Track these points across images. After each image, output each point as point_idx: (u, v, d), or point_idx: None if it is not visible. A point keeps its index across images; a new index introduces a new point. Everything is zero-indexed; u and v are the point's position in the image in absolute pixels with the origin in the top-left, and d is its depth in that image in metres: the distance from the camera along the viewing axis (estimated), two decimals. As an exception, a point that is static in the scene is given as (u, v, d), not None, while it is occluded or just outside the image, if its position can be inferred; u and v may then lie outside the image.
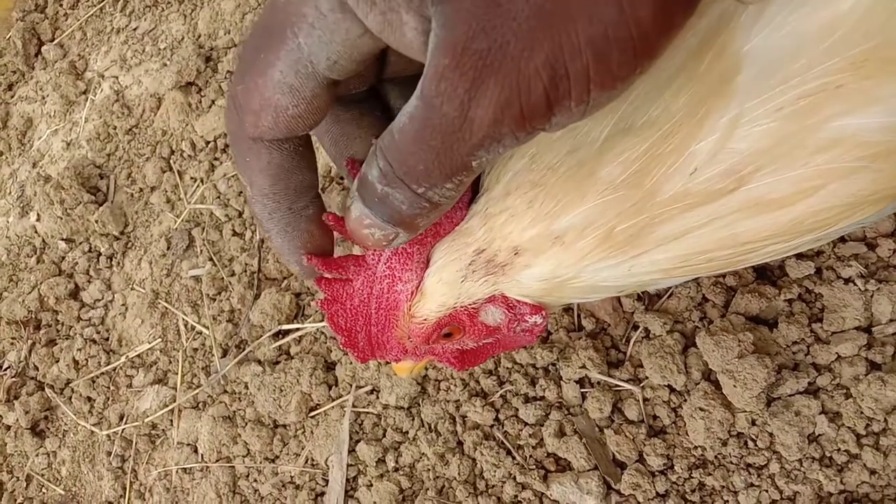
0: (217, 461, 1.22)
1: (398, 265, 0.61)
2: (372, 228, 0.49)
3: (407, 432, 1.07)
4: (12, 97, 1.93)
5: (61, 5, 1.94)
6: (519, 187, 0.56)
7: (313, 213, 0.55)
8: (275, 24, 0.44)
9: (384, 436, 1.08)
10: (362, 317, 0.64)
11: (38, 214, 1.64)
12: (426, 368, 1.08)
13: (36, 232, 1.67)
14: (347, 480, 1.08)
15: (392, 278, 0.62)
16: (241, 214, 1.39)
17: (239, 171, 0.53)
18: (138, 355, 1.42)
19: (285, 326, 1.23)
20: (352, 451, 1.09)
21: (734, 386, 0.84)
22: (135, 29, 1.77)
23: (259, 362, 1.23)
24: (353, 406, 1.12)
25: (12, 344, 1.58)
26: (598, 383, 0.96)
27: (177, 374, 1.34)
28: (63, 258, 1.61)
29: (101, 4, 1.86)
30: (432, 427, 1.04)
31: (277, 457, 1.17)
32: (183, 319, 1.37)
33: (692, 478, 0.89)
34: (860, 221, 0.56)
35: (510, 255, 0.58)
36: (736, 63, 0.46)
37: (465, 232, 0.60)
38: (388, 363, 1.12)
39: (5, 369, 1.57)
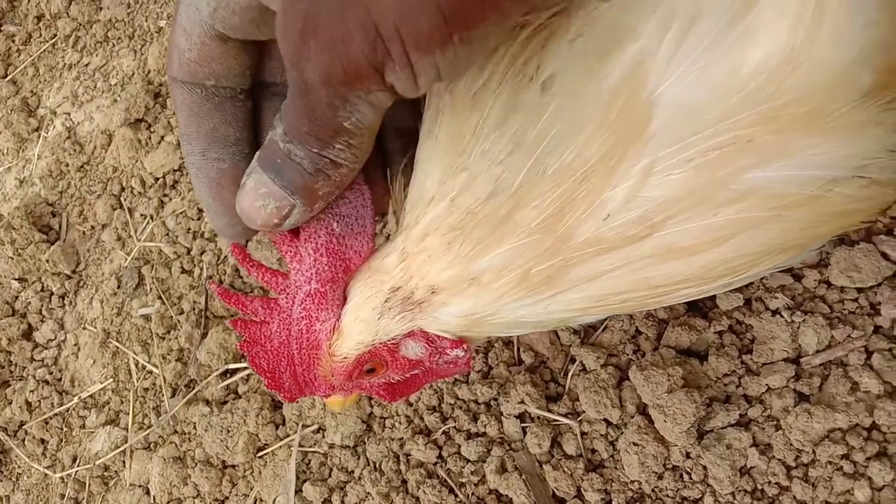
0: (168, 503, 1.21)
1: (313, 305, 0.61)
2: (267, 199, 0.50)
3: (352, 472, 1.06)
4: (-35, 134, 1.91)
5: (13, 41, 1.93)
6: (437, 229, 0.57)
7: (227, 167, 0.57)
8: None
9: (330, 475, 1.08)
10: (284, 357, 0.64)
11: (-10, 254, 1.63)
12: (370, 405, 1.08)
13: (-11, 271, 1.66)
14: (295, 521, 1.08)
15: (309, 318, 0.62)
16: (189, 252, 1.39)
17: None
18: (90, 395, 1.40)
19: (232, 366, 1.23)
20: (299, 491, 1.09)
21: (665, 421, 0.85)
22: (86, 65, 1.76)
23: (207, 402, 1.23)
24: (300, 445, 1.12)
25: (-36, 386, 1.56)
26: (538, 418, 0.96)
27: (128, 414, 1.33)
28: (16, 298, 1.59)
29: (54, 40, 1.85)
30: (377, 466, 1.04)
31: (227, 498, 1.16)
32: (133, 359, 1.36)
33: (630, 512, 0.89)
34: (771, 268, 0.57)
35: (427, 294, 0.59)
36: (648, 110, 0.47)
37: (381, 269, 0.61)
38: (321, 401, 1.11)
39: (-42, 413, 1.55)
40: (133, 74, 1.65)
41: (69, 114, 1.73)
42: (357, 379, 0.67)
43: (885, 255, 0.84)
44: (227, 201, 0.57)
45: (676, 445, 0.87)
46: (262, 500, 1.13)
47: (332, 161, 0.47)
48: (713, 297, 0.92)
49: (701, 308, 0.93)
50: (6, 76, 1.91)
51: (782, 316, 0.87)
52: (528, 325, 0.63)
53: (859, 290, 0.85)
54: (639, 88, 0.46)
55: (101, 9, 1.79)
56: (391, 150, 0.62)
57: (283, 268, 0.64)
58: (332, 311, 0.62)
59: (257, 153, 0.51)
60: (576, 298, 0.57)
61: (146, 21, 1.69)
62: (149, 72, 1.61)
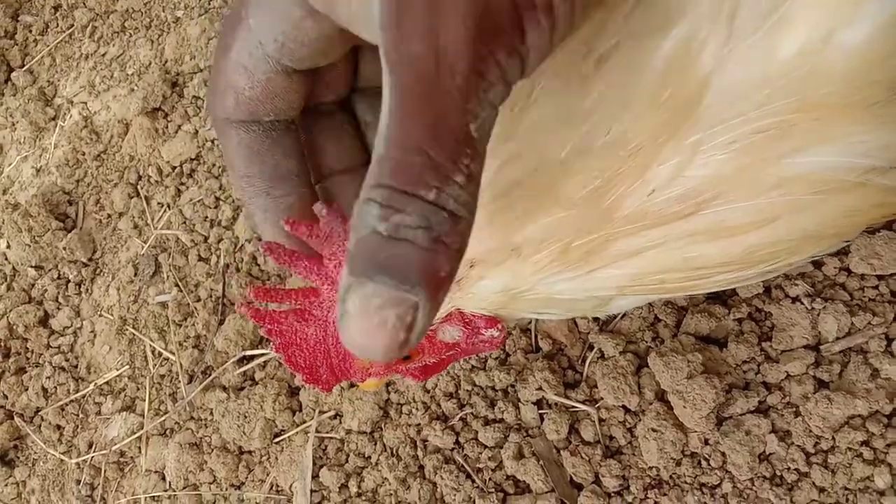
0: (184, 488, 1.21)
1: None
2: (384, 312, 0.37)
3: (369, 457, 1.07)
4: (-18, 124, 1.93)
5: (31, 31, 1.94)
6: (480, 200, 0.57)
7: (294, 202, 0.54)
8: (236, 4, 0.45)
9: (347, 461, 1.08)
10: (321, 353, 0.65)
11: (7, 242, 1.64)
12: (388, 392, 1.09)
13: (6, 259, 1.66)
14: (311, 506, 1.08)
15: None
16: (206, 239, 1.40)
17: (223, 154, 0.55)
18: (107, 382, 1.41)
19: (249, 352, 1.23)
20: (315, 476, 1.09)
21: (684, 406, 0.85)
22: (103, 55, 1.77)
23: (224, 388, 1.23)
24: (317, 431, 1.12)
25: (-19, 373, 1.57)
26: (555, 405, 0.96)
27: (144, 400, 1.34)
28: (33, 285, 1.60)
29: (71, 30, 1.86)
30: (394, 451, 1.05)
31: (243, 483, 1.17)
32: (150, 346, 1.37)
33: (647, 498, 0.89)
34: (808, 256, 0.57)
35: (465, 269, 0.59)
36: (700, 90, 0.47)
37: None
38: (352, 385, 1.12)
39: (-26, 398, 1.56)
40: (150, 64, 1.65)
41: (86, 103, 1.74)
42: (395, 366, 0.67)
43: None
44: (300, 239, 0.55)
45: (695, 432, 0.87)
46: (278, 486, 1.13)
47: (450, 214, 0.36)
48: (732, 285, 0.92)
49: (720, 295, 0.93)
50: (23, 66, 1.91)
51: (802, 303, 0.87)
52: (562, 304, 0.64)
53: (880, 277, 0.85)
54: (691, 66, 0.47)
55: (117, -1, 1.81)
56: None
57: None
58: None
59: (345, 265, 0.38)
60: (614, 275, 0.57)
61: (163, 11, 1.70)
62: (166, 61, 1.62)
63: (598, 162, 0.51)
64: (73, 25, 1.86)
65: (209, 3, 1.60)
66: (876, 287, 0.85)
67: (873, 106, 0.45)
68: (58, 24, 1.91)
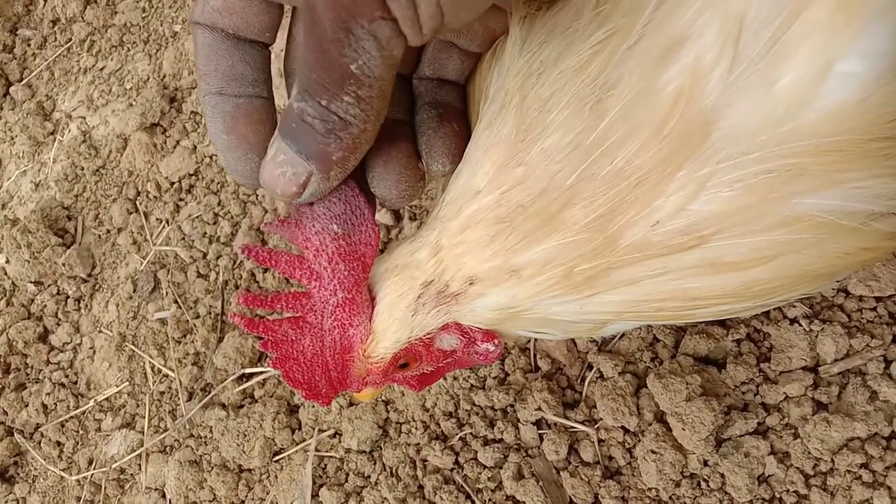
0: (184, 506, 1.22)
1: (344, 314, 0.62)
2: (285, 167, 0.52)
3: (369, 477, 1.07)
4: (-19, 138, 1.93)
5: (29, 45, 1.94)
6: (481, 221, 0.58)
7: (243, 102, 0.57)
8: None
9: (346, 480, 1.08)
10: (319, 367, 0.65)
11: (6, 257, 1.64)
12: (387, 411, 1.09)
13: (5, 274, 1.67)
14: (311, 526, 1.09)
15: (342, 326, 0.62)
16: (205, 256, 1.40)
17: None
18: (106, 399, 1.41)
19: (248, 370, 1.23)
20: (315, 495, 1.09)
21: (683, 429, 0.85)
22: (101, 69, 1.77)
23: (223, 406, 1.23)
24: (316, 450, 1.12)
25: (-19, 389, 1.58)
26: (555, 425, 0.97)
27: (144, 417, 1.34)
28: (32, 301, 1.60)
29: (69, 44, 1.87)
30: (393, 471, 1.05)
31: (243, 502, 1.17)
32: (149, 362, 1.37)
33: (647, 519, 0.90)
34: (803, 293, 0.58)
35: (464, 285, 0.60)
36: (707, 122, 0.48)
37: (411, 265, 0.61)
38: (351, 404, 1.12)
39: (-26, 415, 1.56)
40: (148, 79, 1.66)
41: (84, 118, 1.74)
42: (391, 374, 0.68)
43: (905, 261, 0.84)
44: (240, 136, 0.57)
45: (694, 453, 0.87)
46: (278, 505, 1.14)
47: (340, 119, 0.48)
48: (731, 305, 0.92)
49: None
50: (22, 80, 1.92)
51: (800, 324, 0.87)
52: (559, 325, 0.64)
53: (878, 298, 0.85)
54: (697, 96, 0.47)
55: (116, 13, 1.80)
56: (422, 121, 0.62)
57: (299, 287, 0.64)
58: (363, 315, 0.62)
59: (279, 124, 0.53)
60: (612, 301, 0.58)
61: (161, 25, 1.70)
62: (164, 76, 1.62)
63: (605, 189, 0.52)
64: (71, 39, 1.87)
65: (207, 18, 1.60)
66: (874, 309, 0.85)
67: (875, 152, 0.45)
68: (56, 39, 1.91)
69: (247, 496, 1.17)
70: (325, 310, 0.62)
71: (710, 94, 0.47)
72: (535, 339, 1.02)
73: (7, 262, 1.65)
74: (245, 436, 1.17)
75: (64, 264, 1.55)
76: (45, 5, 1.97)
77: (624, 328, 0.79)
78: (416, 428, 1.05)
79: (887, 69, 0.44)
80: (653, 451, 0.88)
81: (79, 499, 1.37)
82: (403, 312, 0.61)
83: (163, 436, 1.29)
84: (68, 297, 1.56)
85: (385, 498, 1.03)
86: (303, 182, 0.52)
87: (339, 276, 0.61)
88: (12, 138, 1.85)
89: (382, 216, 1.21)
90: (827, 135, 0.45)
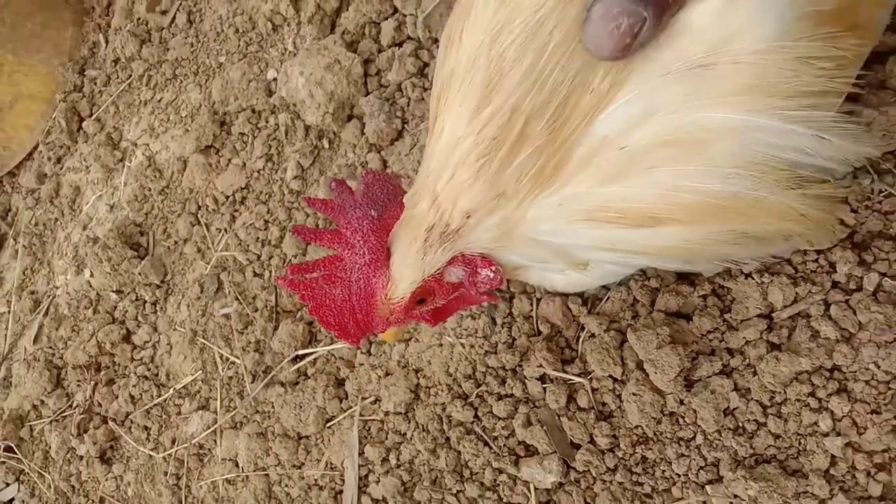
0: (254, 471, 1.42)
1: (370, 270, 0.78)
2: (620, 18, 0.53)
3: (405, 433, 1.25)
4: (61, 169, 2.19)
5: (95, 84, 2.19)
6: (465, 163, 0.73)
7: None
8: None
9: (386, 438, 1.27)
10: (347, 311, 0.81)
11: (91, 271, 1.88)
12: (417, 377, 1.27)
13: (91, 286, 1.92)
14: (360, 479, 1.28)
15: (367, 278, 0.78)
16: (259, 257, 1.60)
17: None
18: (184, 386, 1.64)
19: (301, 351, 1.43)
20: (361, 453, 1.28)
21: (655, 372, 1.01)
22: (159, 100, 2.00)
23: (281, 384, 1.44)
24: (360, 415, 1.31)
25: (78, 385, 1.83)
26: (555, 378, 1.13)
27: (216, 399, 1.55)
28: (115, 307, 1.84)
29: (129, 80, 2.11)
30: (424, 427, 1.23)
31: (303, 464, 1.37)
32: (218, 353, 1.59)
33: (635, 453, 1.05)
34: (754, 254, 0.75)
35: (462, 220, 0.75)
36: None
37: (416, 216, 0.77)
38: (387, 373, 1.31)
39: (74, 408, 1.81)
40: (200, 106, 1.88)
41: (148, 144, 1.97)
42: (411, 311, 0.83)
43: (840, 221, 0.97)
44: None
45: (671, 394, 1.03)
46: (331, 463, 1.33)
47: None
48: (698, 267, 1.07)
49: (687, 276, 1.08)
50: (92, 115, 2.17)
51: (754, 278, 1.01)
52: (548, 248, 0.79)
53: (818, 251, 0.99)
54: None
55: (168, 49, 2.03)
56: None
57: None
58: (384, 267, 0.78)
59: None
60: (580, 193, 0.73)
61: (208, 58, 1.92)
62: (213, 103, 1.83)
63: (549, 99, 0.68)
64: (131, 76, 2.11)
65: (247, 49, 1.81)
66: (816, 260, 0.99)
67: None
68: (118, 76, 2.15)
69: (306, 459, 1.37)
70: (354, 268, 0.79)
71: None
72: (537, 307, 1.19)
73: (91, 275, 1.89)
74: (301, 407, 1.37)
75: (140, 274, 1.78)
76: (106, 47, 2.21)
77: (603, 274, 0.94)
78: (442, 390, 1.23)
79: None
80: (634, 394, 1.04)
81: (166, 473, 1.59)
82: (414, 257, 0.76)
83: (233, 413, 1.50)
84: (146, 301, 1.80)
85: (419, 450, 1.22)
86: (636, 31, 0.53)
87: (369, 245, 0.78)
88: (87, 167, 2.10)
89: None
90: None
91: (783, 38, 0.62)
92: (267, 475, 1.41)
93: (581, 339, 1.13)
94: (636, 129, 0.68)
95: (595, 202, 0.73)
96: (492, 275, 0.81)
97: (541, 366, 1.13)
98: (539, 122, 0.69)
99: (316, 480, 1.34)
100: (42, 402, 1.91)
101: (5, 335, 2.10)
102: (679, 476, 1.01)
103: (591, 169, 0.71)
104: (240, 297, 1.59)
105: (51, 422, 1.86)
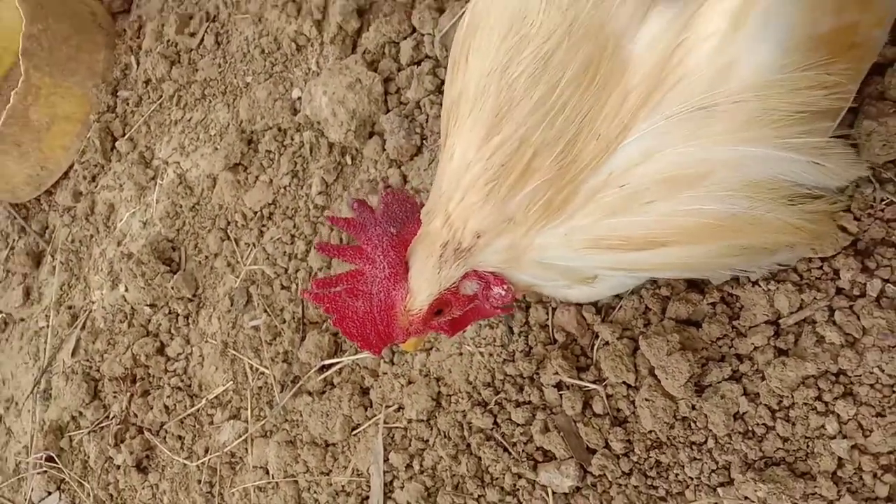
0: (284, 478, 1.48)
1: (390, 283, 0.84)
2: None
3: (427, 440, 1.30)
4: (96, 187, 2.27)
5: (128, 104, 2.27)
6: (475, 186, 0.79)
7: None
8: None
9: (410, 445, 1.32)
10: (369, 322, 0.87)
11: (125, 286, 1.96)
12: (438, 386, 1.31)
13: (125, 300, 1.99)
14: (385, 485, 1.32)
15: (387, 290, 0.85)
16: (286, 271, 1.66)
17: None
18: (216, 396, 1.70)
19: (327, 361, 1.49)
20: (386, 459, 1.33)
21: (666, 378, 1.04)
22: (189, 119, 2.08)
23: (309, 393, 1.49)
24: (385, 422, 1.36)
25: (115, 397, 1.90)
26: (571, 385, 1.17)
27: (247, 409, 1.61)
28: (149, 321, 1.92)
29: (160, 100, 2.18)
30: (446, 434, 1.27)
31: (330, 471, 1.42)
32: (248, 363, 1.65)
33: (649, 457, 1.09)
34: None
35: (473, 239, 0.81)
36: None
37: (431, 233, 0.83)
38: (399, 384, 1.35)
39: (111, 419, 1.88)
40: (228, 125, 1.94)
41: (179, 162, 2.05)
42: (429, 322, 0.89)
43: (843, 229, 1.00)
44: None
45: (683, 399, 1.06)
46: (358, 470, 1.38)
47: None
48: (707, 276, 1.10)
49: (697, 283, 1.11)
50: (124, 135, 2.25)
51: (761, 286, 1.05)
52: (556, 270, 0.84)
53: (822, 259, 1.02)
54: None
55: (196, 70, 2.10)
56: None
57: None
58: (402, 280, 0.85)
59: None
60: (587, 230, 0.78)
61: (235, 78, 1.99)
62: (241, 122, 1.90)
63: (560, 134, 0.73)
64: (162, 96, 2.18)
65: (272, 69, 1.87)
66: (820, 267, 1.02)
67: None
68: (150, 96, 2.23)
69: (333, 465, 1.42)
70: (375, 282, 0.85)
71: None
72: (553, 316, 1.23)
73: (126, 290, 1.97)
74: (328, 416, 1.43)
75: (172, 288, 1.85)
76: (138, 68, 2.29)
77: (613, 285, 0.99)
78: (462, 398, 1.27)
79: None
80: (647, 400, 1.07)
81: (199, 481, 1.65)
82: (431, 271, 0.83)
83: (263, 422, 1.56)
84: (178, 314, 1.86)
85: (441, 456, 1.26)
86: None
87: (388, 259, 0.85)
88: (121, 186, 2.18)
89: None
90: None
91: (782, 68, 0.66)
92: (296, 482, 1.46)
93: (595, 347, 1.17)
94: (638, 168, 0.73)
95: (599, 233, 0.78)
96: (503, 293, 0.87)
97: (557, 373, 1.17)
98: (548, 157, 0.75)
99: (343, 486, 1.39)
100: (80, 413, 1.98)
101: (45, 349, 2.19)
102: (692, 479, 1.05)
103: (596, 204, 0.76)
104: (268, 310, 1.65)
105: (89, 432, 1.93)
